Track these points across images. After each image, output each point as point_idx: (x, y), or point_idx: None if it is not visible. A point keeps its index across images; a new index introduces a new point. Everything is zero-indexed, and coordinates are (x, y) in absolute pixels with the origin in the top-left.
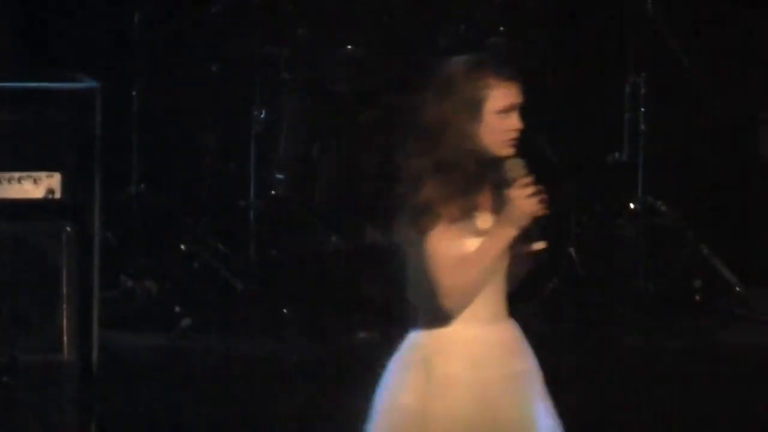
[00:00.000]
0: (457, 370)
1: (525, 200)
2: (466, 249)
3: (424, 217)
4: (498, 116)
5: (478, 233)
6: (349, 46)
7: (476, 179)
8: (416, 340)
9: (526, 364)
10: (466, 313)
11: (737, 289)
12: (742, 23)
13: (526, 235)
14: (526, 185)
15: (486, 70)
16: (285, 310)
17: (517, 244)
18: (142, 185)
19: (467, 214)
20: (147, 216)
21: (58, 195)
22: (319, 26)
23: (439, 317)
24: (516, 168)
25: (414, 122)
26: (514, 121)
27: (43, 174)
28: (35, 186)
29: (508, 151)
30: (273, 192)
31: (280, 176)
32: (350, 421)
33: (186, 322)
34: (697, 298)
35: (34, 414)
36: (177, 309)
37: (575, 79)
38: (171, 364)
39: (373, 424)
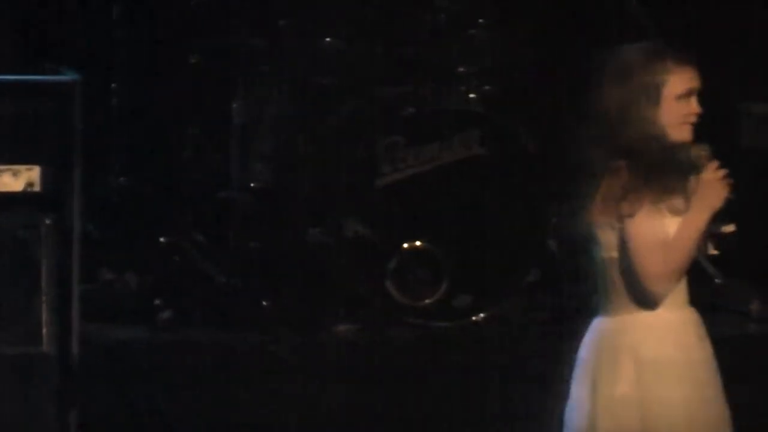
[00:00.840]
0: (668, 354)
1: (717, 183)
2: (667, 233)
3: (624, 203)
4: (677, 101)
5: (674, 217)
6: (328, 38)
7: (664, 163)
8: (614, 326)
9: (707, 353)
10: (668, 298)
11: (717, 280)
12: (722, 14)
13: (716, 218)
14: (717, 169)
15: (664, 55)
16: (265, 303)
17: (709, 227)
18: (123, 178)
19: (662, 198)
20: (128, 209)
21: (37, 188)
22: (300, 17)
23: (644, 302)
24: (701, 152)
25: (590, 110)
26: (693, 106)
27: (22, 167)
28: (15, 179)
29: (688, 135)
30: (253, 184)
31: (261, 168)
32: (334, 413)
33: (166, 314)
34: None
35: (13, 406)
36: (157, 302)
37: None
38: (151, 357)
39: (585, 419)
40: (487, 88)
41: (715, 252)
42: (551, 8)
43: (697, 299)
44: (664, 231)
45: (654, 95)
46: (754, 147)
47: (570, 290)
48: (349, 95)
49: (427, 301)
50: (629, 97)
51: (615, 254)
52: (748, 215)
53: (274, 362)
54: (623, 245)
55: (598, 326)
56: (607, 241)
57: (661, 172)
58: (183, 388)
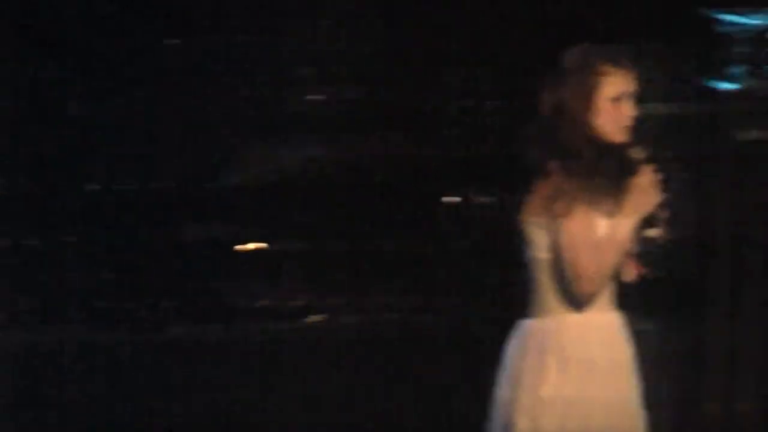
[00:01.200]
0: (594, 355)
1: (650, 188)
2: (600, 235)
3: (558, 203)
4: (612, 103)
5: (608, 219)
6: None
7: (598, 165)
8: (542, 327)
9: (629, 354)
10: (596, 300)
11: None
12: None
13: (647, 223)
14: (649, 173)
15: (599, 57)
16: (99, 302)
17: (638, 231)
18: None
19: (596, 199)
20: None
21: None
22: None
23: (573, 303)
24: (637, 155)
25: (533, 111)
26: (628, 108)
27: None
28: None
29: (624, 137)
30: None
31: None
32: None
33: None
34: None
35: None
36: None
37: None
38: None
39: (504, 419)
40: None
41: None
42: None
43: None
44: (596, 232)
45: (588, 97)
46: None
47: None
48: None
49: (263, 302)
50: (565, 99)
51: (545, 255)
52: None
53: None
54: (556, 246)
55: (525, 327)
56: (538, 241)
57: (596, 174)
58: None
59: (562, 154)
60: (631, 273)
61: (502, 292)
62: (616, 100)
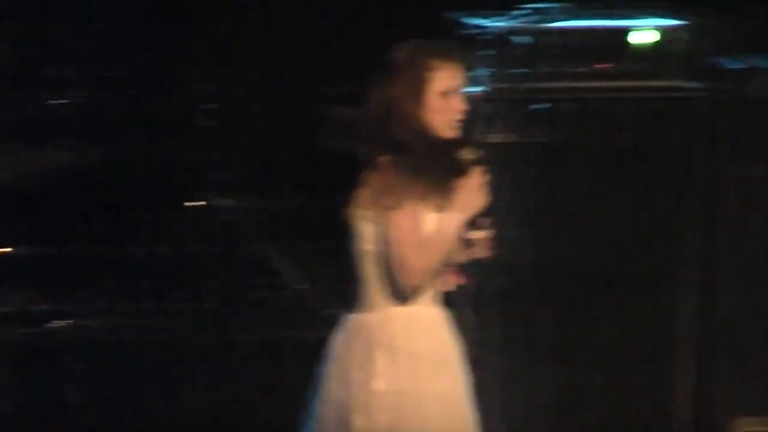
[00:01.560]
0: (422, 349)
1: (478, 189)
2: (429, 230)
3: (388, 196)
4: (441, 97)
5: (438, 214)
6: None
7: (428, 160)
8: (369, 321)
9: (457, 349)
10: (424, 293)
11: (299, 285)
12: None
13: (472, 223)
14: (478, 173)
15: (429, 51)
16: None
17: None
18: None
19: (426, 194)
20: None
21: None
22: None
23: (399, 297)
24: (469, 153)
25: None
26: (458, 102)
27: None
28: None
29: (455, 131)
30: None
31: None
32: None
33: None
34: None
35: None
36: None
37: None
38: None
39: (338, 416)
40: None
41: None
42: None
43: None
44: (425, 227)
45: (418, 92)
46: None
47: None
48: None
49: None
50: (395, 93)
51: (372, 247)
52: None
53: None
54: (383, 239)
55: (351, 322)
56: (366, 233)
57: (426, 168)
58: None
59: (392, 148)
60: (449, 282)
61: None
62: (446, 94)
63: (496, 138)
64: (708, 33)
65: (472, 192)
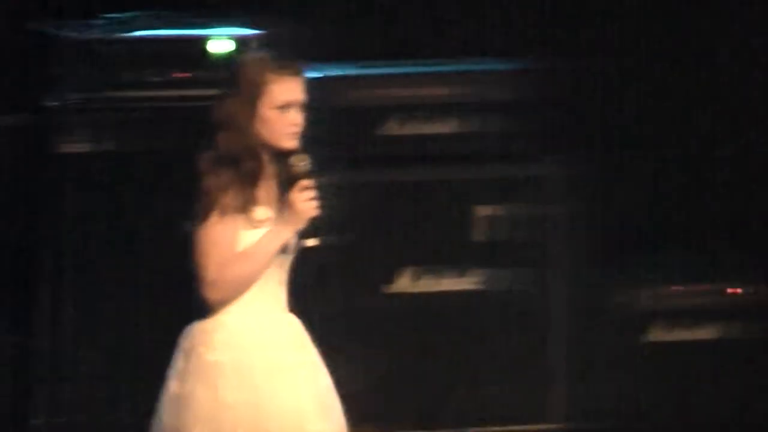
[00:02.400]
0: (219, 358)
1: (303, 202)
2: (239, 242)
3: (199, 205)
4: (276, 112)
5: (255, 227)
6: None
7: (254, 173)
8: (189, 329)
9: (302, 357)
10: (237, 304)
11: None
12: None
13: (304, 233)
14: (306, 187)
15: (265, 65)
16: None
17: (295, 240)
18: None
19: (243, 207)
20: None
21: None
22: None
23: (207, 307)
24: (301, 164)
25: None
26: (293, 117)
27: None
28: None
29: (289, 146)
30: None
31: None
32: None
33: None
34: None
35: None
36: None
37: None
38: None
39: (179, 420)
40: None
41: None
42: None
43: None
44: (232, 240)
45: (252, 106)
46: None
47: None
48: None
49: None
50: (231, 107)
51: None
52: None
53: None
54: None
55: (193, 330)
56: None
57: (247, 180)
58: None
59: (221, 159)
60: None
61: None
62: (282, 108)
63: (75, 148)
64: (285, 42)
65: (295, 206)
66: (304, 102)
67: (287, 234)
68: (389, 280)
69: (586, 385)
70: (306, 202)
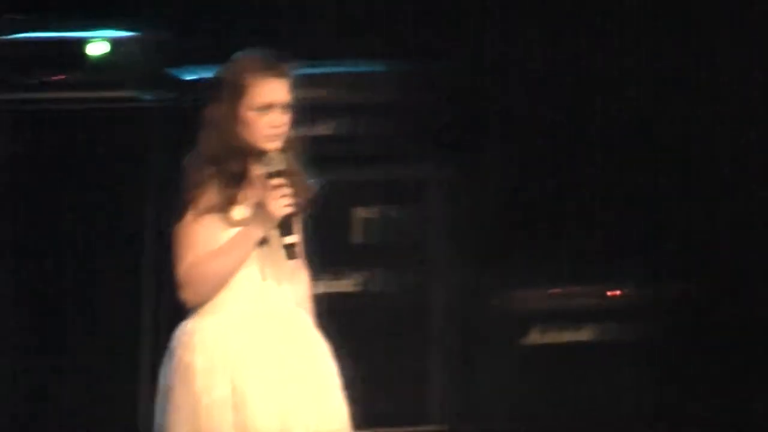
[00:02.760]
0: (194, 360)
1: (273, 201)
2: (217, 242)
3: (180, 204)
4: (257, 113)
5: (233, 226)
6: None
7: (234, 174)
8: (176, 330)
9: (296, 354)
10: (222, 304)
11: None
12: None
13: (281, 230)
14: (276, 186)
15: (245, 67)
16: None
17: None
18: None
19: (223, 206)
20: None
21: None
22: None
23: (186, 307)
24: (273, 163)
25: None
26: (275, 118)
27: None
28: None
29: (270, 147)
30: None
31: None
32: None
33: None
34: None
35: None
36: None
37: None
38: None
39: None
40: None
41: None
42: None
43: None
44: (208, 239)
45: (233, 106)
46: None
47: None
48: None
49: None
50: (215, 106)
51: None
52: None
53: None
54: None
55: (178, 331)
56: None
57: (226, 180)
58: None
59: (204, 160)
60: None
61: None
62: (262, 109)
63: None
64: (160, 45)
65: (272, 204)
66: (288, 103)
67: (259, 233)
68: None
69: (466, 387)
70: (276, 200)
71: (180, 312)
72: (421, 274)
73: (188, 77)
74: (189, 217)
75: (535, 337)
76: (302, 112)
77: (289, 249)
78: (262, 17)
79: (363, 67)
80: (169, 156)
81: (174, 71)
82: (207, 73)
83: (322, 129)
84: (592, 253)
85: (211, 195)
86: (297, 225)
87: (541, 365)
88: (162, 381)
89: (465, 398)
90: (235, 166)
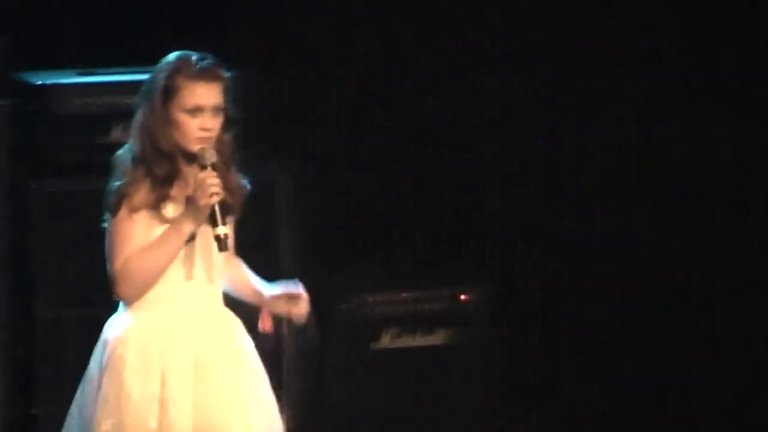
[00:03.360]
0: (126, 353)
1: (202, 190)
2: (149, 239)
3: (112, 202)
4: (186, 115)
5: (165, 223)
6: None
7: (164, 174)
8: (109, 321)
9: (226, 355)
10: (149, 300)
11: None
12: None
13: (211, 221)
14: (207, 175)
15: (179, 68)
16: None
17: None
18: None
19: (155, 204)
20: None
21: None
22: None
23: (119, 301)
24: (210, 156)
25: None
26: (203, 121)
27: None
28: None
29: (199, 147)
30: None
31: None
32: None
33: None
34: None
35: None
36: None
37: None
38: None
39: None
40: None
41: None
42: None
43: None
44: (140, 236)
45: (164, 107)
46: None
47: None
48: None
49: None
50: (146, 107)
51: None
52: None
53: None
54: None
55: (112, 322)
56: None
57: (159, 181)
58: None
59: (137, 161)
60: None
61: None
62: (192, 111)
63: None
64: (10, 48)
65: (199, 195)
66: (219, 106)
67: (189, 226)
68: None
69: (315, 392)
70: (204, 190)
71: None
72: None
73: (35, 81)
74: (122, 213)
75: (387, 341)
76: None
77: (219, 240)
78: (108, 22)
79: None
80: (13, 162)
81: (26, 75)
82: (57, 78)
83: None
84: (442, 257)
85: (142, 193)
86: (228, 218)
87: (394, 369)
88: (92, 366)
89: (315, 404)
90: (165, 166)
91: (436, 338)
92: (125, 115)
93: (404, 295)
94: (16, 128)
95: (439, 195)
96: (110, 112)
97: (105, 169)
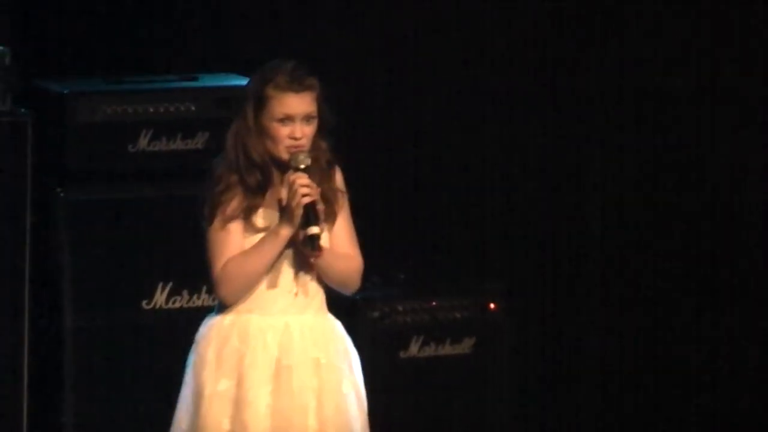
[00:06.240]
0: (207, 352)
1: (291, 195)
2: (238, 245)
3: (207, 210)
4: (277, 123)
5: (259, 231)
6: None
7: (257, 184)
8: (203, 323)
9: (325, 356)
10: (247, 304)
11: None
12: None
13: (303, 222)
14: (297, 177)
15: (266, 80)
16: None
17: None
18: None
19: (248, 212)
20: None
21: None
22: None
23: (221, 304)
24: (303, 160)
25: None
26: (293, 129)
27: None
28: None
29: (292, 153)
30: None
31: None
32: None
33: None
34: None
35: None
36: None
37: None
38: None
39: (186, 416)
40: None
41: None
42: None
43: None
44: (237, 242)
45: (255, 118)
46: None
47: None
48: None
49: None
50: (239, 118)
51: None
52: None
53: None
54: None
55: (210, 321)
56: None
57: (252, 190)
58: None
59: (230, 167)
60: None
61: None
62: (282, 121)
63: None
64: (26, 57)
65: (290, 197)
66: (310, 114)
67: (285, 231)
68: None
69: None
70: (295, 193)
71: None
72: None
73: (62, 90)
74: (217, 223)
75: (415, 350)
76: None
77: (311, 240)
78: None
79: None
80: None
81: (45, 83)
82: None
83: (189, 143)
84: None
85: (236, 201)
86: (321, 217)
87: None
88: (186, 372)
89: None
90: (257, 175)
91: (465, 347)
92: (153, 123)
93: (433, 303)
94: (42, 137)
95: (467, 203)
96: (138, 120)
97: (132, 177)
